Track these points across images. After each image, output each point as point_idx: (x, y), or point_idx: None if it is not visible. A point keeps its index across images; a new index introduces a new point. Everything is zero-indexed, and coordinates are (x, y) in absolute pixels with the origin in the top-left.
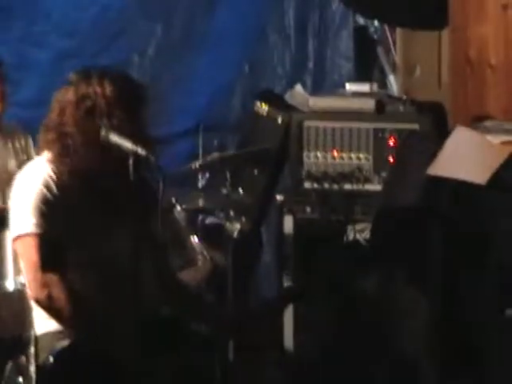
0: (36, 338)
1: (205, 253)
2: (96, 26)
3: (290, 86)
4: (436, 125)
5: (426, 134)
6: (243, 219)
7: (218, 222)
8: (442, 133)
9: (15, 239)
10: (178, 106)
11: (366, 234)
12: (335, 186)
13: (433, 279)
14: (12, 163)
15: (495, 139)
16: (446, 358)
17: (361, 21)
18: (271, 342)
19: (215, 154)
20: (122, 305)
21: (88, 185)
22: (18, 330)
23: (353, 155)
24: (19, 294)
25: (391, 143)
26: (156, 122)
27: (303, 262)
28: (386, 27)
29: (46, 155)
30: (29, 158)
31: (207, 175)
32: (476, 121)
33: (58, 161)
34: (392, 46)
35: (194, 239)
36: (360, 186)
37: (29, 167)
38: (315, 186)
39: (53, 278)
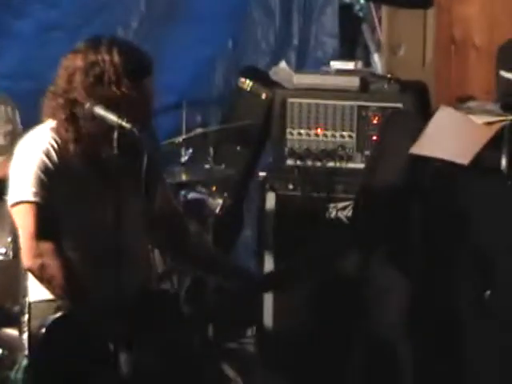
0: (30, 305)
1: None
2: None
3: (275, 62)
4: (419, 104)
5: (410, 112)
6: (225, 195)
7: (200, 197)
8: (425, 112)
9: (13, 206)
10: (161, 81)
11: (348, 212)
12: (318, 164)
13: (413, 258)
14: None
15: (478, 120)
16: (423, 338)
17: None
18: (250, 319)
19: (198, 130)
20: (112, 277)
21: (90, 154)
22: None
23: (336, 133)
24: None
25: (375, 121)
26: None
27: (284, 238)
28: (372, 5)
29: (50, 123)
30: (14, 129)
31: (190, 150)
32: (459, 101)
33: (63, 128)
34: (377, 25)
35: None
36: (343, 164)
37: (31, 135)
38: (298, 163)
39: (48, 247)
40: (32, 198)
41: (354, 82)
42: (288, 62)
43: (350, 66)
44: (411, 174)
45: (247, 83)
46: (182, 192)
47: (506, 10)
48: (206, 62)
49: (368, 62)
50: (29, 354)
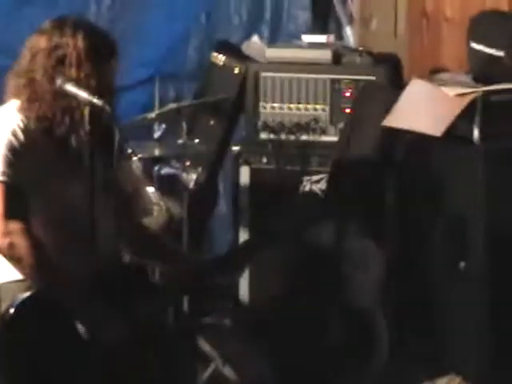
0: None
1: (160, 203)
2: None
3: (247, 36)
4: (392, 76)
5: (382, 85)
6: (199, 169)
7: (173, 172)
8: (397, 84)
9: None
10: (134, 56)
11: (322, 185)
12: (291, 137)
13: (387, 230)
14: None
15: (450, 91)
16: (399, 309)
17: None
18: (226, 293)
19: (171, 105)
20: (82, 254)
21: (53, 134)
22: None
23: (309, 106)
24: None
25: (347, 94)
26: None
27: (259, 212)
28: None
29: (15, 103)
30: None
31: (163, 125)
32: (431, 73)
33: (26, 107)
34: None
35: (150, 189)
36: (316, 137)
37: None
38: (271, 136)
39: (16, 226)
40: (0, 178)
41: (326, 55)
42: (260, 36)
43: (322, 39)
44: (384, 147)
45: (220, 58)
46: (156, 167)
47: None
48: (180, 37)
49: (340, 35)
50: None
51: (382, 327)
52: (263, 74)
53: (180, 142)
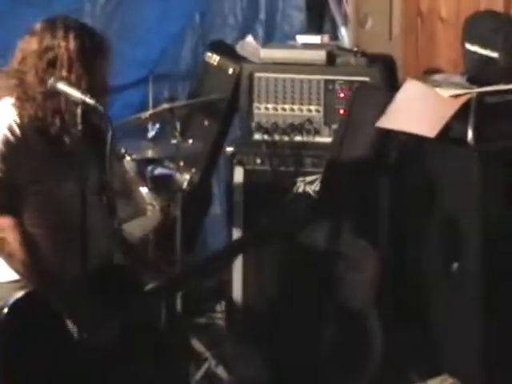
0: None
1: (154, 203)
2: None
3: (242, 36)
4: (386, 77)
5: (377, 86)
6: (193, 170)
7: (167, 172)
8: (392, 85)
9: None
10: (129, 56)
11: (316, 186)
12: (285, 138)
13: (381, 231)
14: None
15: (445, 92)
16: (392, 310)
17: None
18: (220, 294)
19: (165, 105)
20: (74, 253)
21: (46, 133)
22: None
23: (303, 107)
24: None
25: (342, 95)
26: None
27: (253, 213)
28: None
29: (10, 100)
30: None
31: (157, 125)
32: (426, 74)
33: (19, 105)
34: None
35: (144, 189)
36: (310, 138)
37: None
38: (265, 137)
39: (8, 222)
40: None
41: (320, 55)
42: (255, 37)
43: (316, 39)
44: (378, 148)
45: (214, 58)
46: (150, 167)
47: None
48: (174, 37)
49: (335, 36)
50: None
51: (375, 328)
52: (257, 75)
53: (174, 142)
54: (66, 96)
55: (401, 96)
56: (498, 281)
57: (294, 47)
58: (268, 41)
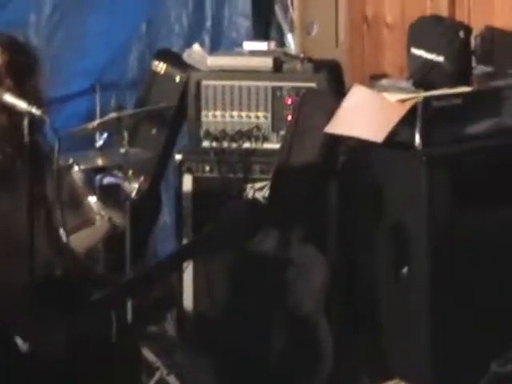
0: None
1: (102, 213)
2: None
3: (188, 44)
4: (333, 83)
5: (324, 92)
6: (141, 178)
7: (116, 181)
8: (339, 91)
9: None
10: (75, 66)
11: (265, 192)
12: (234, 145)
13: (329, 237)
14: None
15: (391, 97)
16: (343, 315)
17: None
18: (170, 301)
19: (112, 114)
20: (12, 269)
21: None
22: None
23: (251, 114)
24: None
25: (289, 101)
26: (52, 82)
27: (202, 220)
28: None
29: None
30: None
31: (105, 135)
32: (373, 79)
33: None
34: (290, 4)
35: (92, 199)
36: (259, 145)
37: None
38: (214, 144)
39: None
40: None
41: (267, 62)
42: (202, 44)
43: (263, 46)
44: (326, 153)
45: (161, 66)
46: (98, 177)
47: None
48: (120, 46)
49: (282, 43)
50: None
51: (325, 333)
52: (205, 82)
53: (122, 151)
54: (12, 108)
55: (348, 101)
56: (446, 284)
57: (240, 54)
58: (215, 48)
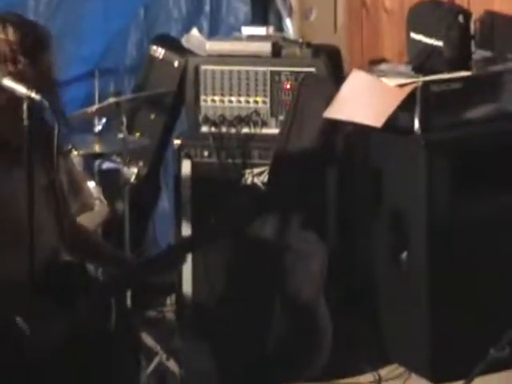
0: None
1: (101, 198)
2: None
3: (187, 29)
4: (332, 68)
5: (322, 77)
6: (140, 164)
7: (114, 166)
8: (337, 76)
9: None
10: (73, 52)
11: (264, 178)
12: (232, 130)
13: (328, 222)
14: None
15: (390, 82)
16: (342, 300)
17: None
18: (169, 287)
19: (111, 99)
20: (20, 253)
21: None
22: None
23: (250, 99)
24: None
25: (288, 86)
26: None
27: (201, 206)
28: None
29: None
30: None
31: (103, 120)
32: (372, 64)
33: None
34: None
35: (91, 184)
36: (257, 130)
37: None
38: (212, 129)
39: None
40: None
41: (265, 47)
42: (200, 29)
43: (261, 31)
44: (325, 138)
45: (159, 51)
46: (97, 162)
47: None
48: (118, 32)
49: (280, 28)
50: None
51: (324, 318)
52: (203, 67)
53: (120, 136)
54: (11, 92)
55: (347, 86)
56: (446, 269)
57: (239, 39)
58: (213, 33)
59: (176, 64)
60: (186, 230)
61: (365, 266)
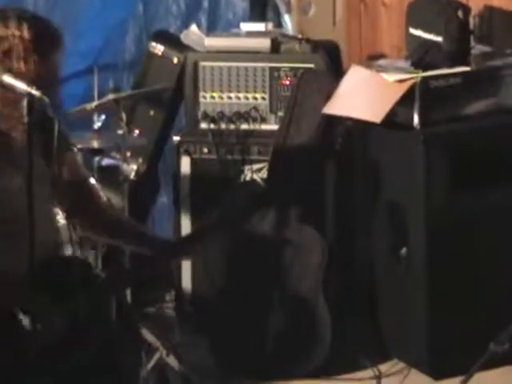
0: None
1: (101, 194)
2: None
3: (185, 25)
4: (331, 63)
5: (321, 72)
6: (139, 160)
7: (114, 163)
8: (337, 71)
9: None
10: (70, 47)
11: (263, 174)
12: (232, 126)
13: (327, 218)
14: None
15: (389, 77)
16: (341, 296)
17: None
18: (169, 283)
19: (110, 95)
20: (22, 248)
21: None
22: None
23: (249, 95)
24: None
25: (287, 82)
26: None
27: (200, 203)
28: None
29: None
30: None
31: (103, 116)
32: (370, 59)
33: None
34: None
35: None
36: (256, 126)
37: None
38: (212, 126)
39: None
40: None
41: (264, 43)
42: (199, 25)
43: (260, 27)
44: (324, 134)
45: (158, 47)
46: (96, 158)
47: None
48: (117, 27)
49: (279, 23)
50: None
51: (323, 313)
52: (202, 64)
53: (120, 132)
54: (12, 88)
55: (346, 82)
56: (444, 265)
57: (238, 35)
58: (211, 29)
59: (175, 60)
60: (186, 227)
61: (364, 261)
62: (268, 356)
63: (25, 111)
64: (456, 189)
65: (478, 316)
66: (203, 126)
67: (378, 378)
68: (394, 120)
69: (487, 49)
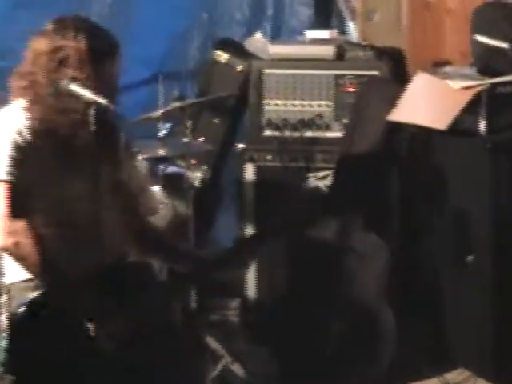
0: (7, 286)
1: (166, 201)
2: None
3: (250, 33)
4: (396, 70)
5: (386, 79)
6: (204, 167)
7: (179, 170)
8: (401, 78)
9: None
10: (135, 55)
11: (327, 181)
12: (296, 134)
13: (392, 224)
14: None
15: (455, 84)
16: (405, 303)
17: None
18: (234, 291)
19: (175, 103)
20: (86, 254)
21: (57, 134)
22: None
23: (313, 102)
24: None
25: (352, 90)
26: None
27: (264, 209)
28: None
29: (21, 102)
30: None
31: (168, 124)
32: (436, 66)
33: (29, 108)
34: None
35: (156, 188)
36: (321, 133)
37: (3, 113)
38: (276, 133)
39: (21, 225)
40: (4, 177)
41: (329, 50)
42: (263, 33)
43: (324, 34)
44: (389, 141)
45: (223, 55)
46: (161, 166)
47: None
48: (181, 35)
49: (343, 31)
50: (8, 335)
51: (388, 321)
52: (267, 71)
53: (185, 140)
54: (78, 97)
55: (411, 89)
56: (511, 272)
57: (302, 43)
58: (276, 37)
59: (239, 68)
60: (249, 233)
61: (429, 269)
62: (331, 365)
63: (92, 119)
64: None
65: None
66: (267, 133)
67: None
68: (460, 127)
69: None
